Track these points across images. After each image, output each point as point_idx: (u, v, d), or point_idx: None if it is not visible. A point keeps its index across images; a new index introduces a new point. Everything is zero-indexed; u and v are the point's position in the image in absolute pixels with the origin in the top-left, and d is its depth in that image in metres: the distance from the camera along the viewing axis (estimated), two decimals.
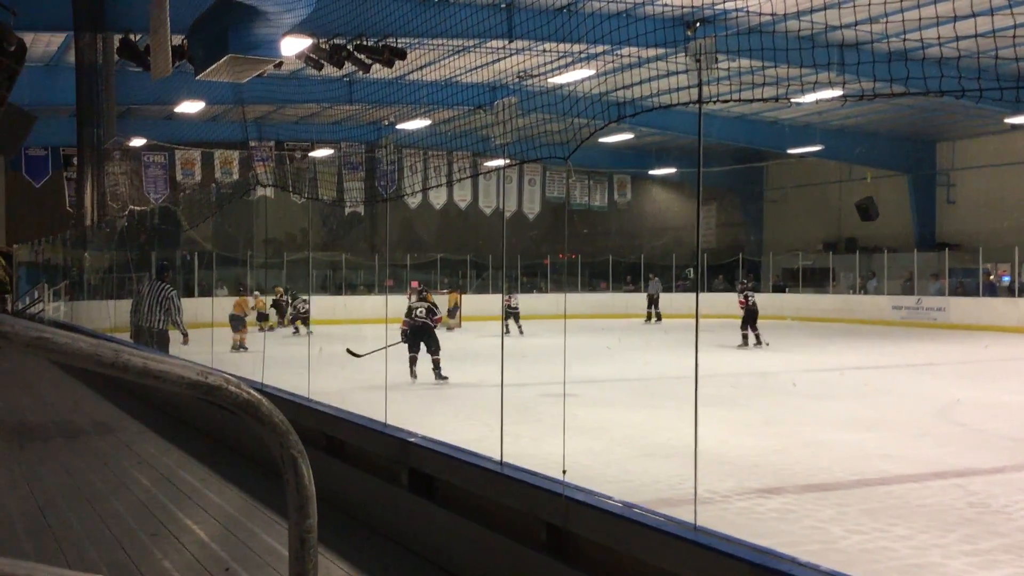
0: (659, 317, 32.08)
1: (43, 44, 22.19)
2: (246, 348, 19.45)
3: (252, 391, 1.64)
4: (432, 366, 14.79)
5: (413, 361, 14.91)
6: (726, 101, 3.68)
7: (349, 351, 13.63)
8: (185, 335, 13.03)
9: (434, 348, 14.98)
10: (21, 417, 9.53)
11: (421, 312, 15.11)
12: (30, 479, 6.64)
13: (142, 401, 10.51)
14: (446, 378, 14.69)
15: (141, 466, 7.15)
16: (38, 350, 1.42)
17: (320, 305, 26.83)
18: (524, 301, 28.55)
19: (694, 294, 33.94)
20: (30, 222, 31.69)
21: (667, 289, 36.75)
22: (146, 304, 12.82)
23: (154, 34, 11.98)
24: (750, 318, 21.21)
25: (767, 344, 20.92)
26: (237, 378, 1.75)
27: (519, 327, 25.21)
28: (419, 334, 14.99)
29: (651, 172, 37.56)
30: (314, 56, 16.24)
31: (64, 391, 11.89)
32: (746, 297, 21.45)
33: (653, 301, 32.66)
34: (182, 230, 19.08)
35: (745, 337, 21.05)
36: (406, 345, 14.97)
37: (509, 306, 26.81)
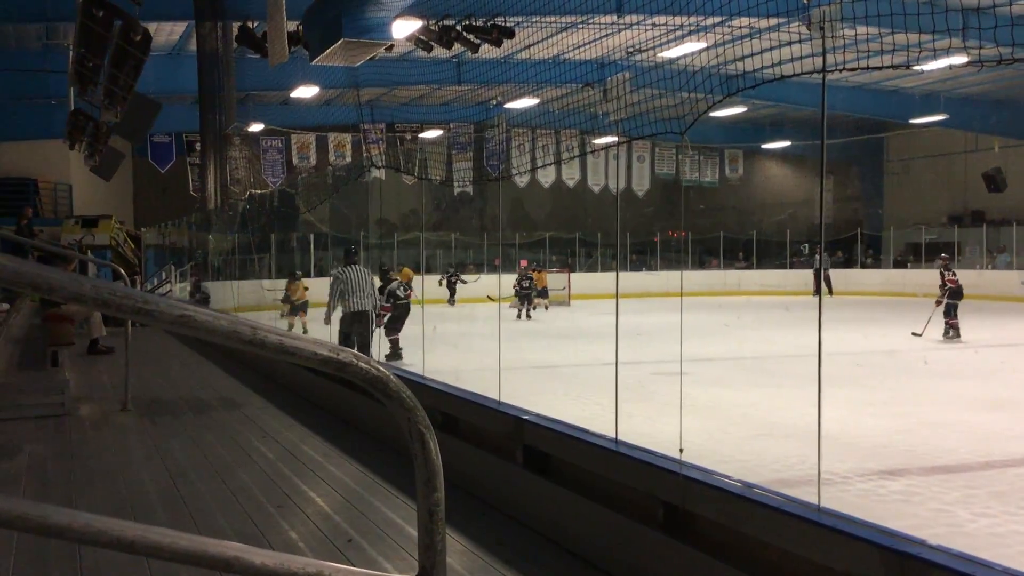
0: (831, 291, 31.17)
1: (166, 33, 23.04)
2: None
3: (381, 367, 1.68)
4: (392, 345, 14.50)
5: (396, 343, 14.59)
6: (852, 69, 3.55)
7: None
8: (379, 316, 13.06)
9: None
10: (153, 393, 9.97)
11: (403, 291, 14.91)
12: (162, 452, 6.95)
13: (265, 378, 10.88)
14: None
15: (265, 440, 7.40)
16: (181, 327, 1.48)
17: (432, 283, 27.19)
18: (633, 279, 28.17)
19: (810, 270, 33.20)
20: (156, 206, 33.09)
21: (781, 265, 35.98)
22: (356, 288, 12.49)
23: (270, 21, 12.28)
24: (955, 301, 17.63)
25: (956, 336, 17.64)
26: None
27: (527, 310, 24.31)
28: (405, 315, 14.76)
29: (764, 146, 36.68)
30: (424, 38, 16.37)
31: (192, 369, 12.39)
32: (954, 274, 17.93)
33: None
34: (299, 212, 19.59)
35: (952, 326, 17.59)
36: (385, 329, 14.70)
37: (525, 286, 25.00)
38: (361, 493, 5.71)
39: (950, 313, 17.66)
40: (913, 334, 17.68)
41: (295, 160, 31.75)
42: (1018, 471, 7.56)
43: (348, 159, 31.25)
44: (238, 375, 11.32)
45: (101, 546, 1.55)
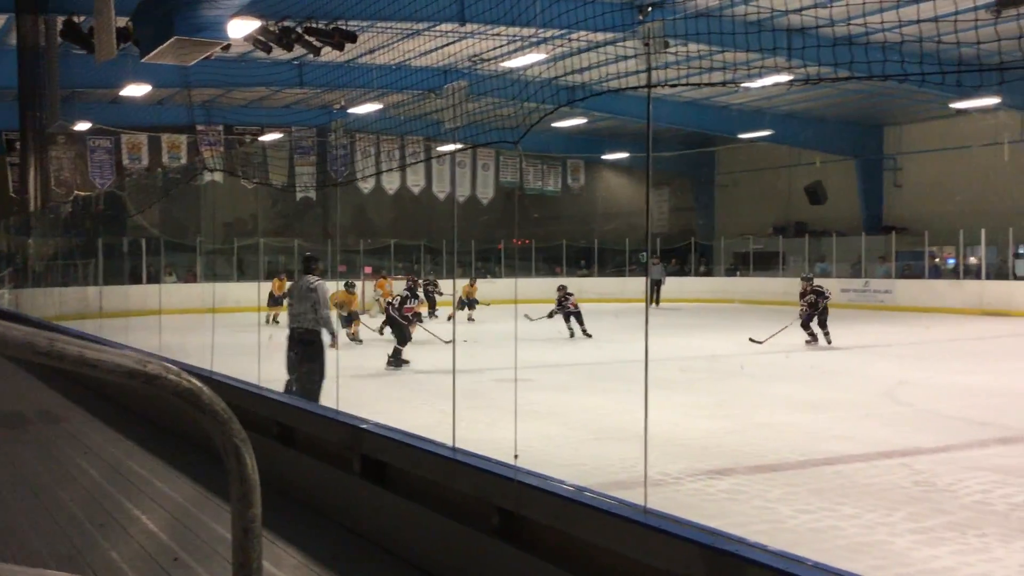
0: (658, 302, 31.87)
1: None
2: (360, 340, 18.78)
3: (192, 379, 1.61)
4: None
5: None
6: (675, 85, 3.69)
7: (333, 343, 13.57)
8: (333, 336, 10.05)
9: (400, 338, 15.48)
10: None
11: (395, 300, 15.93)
12: None
13: (89, 390, 10.33)
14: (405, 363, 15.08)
15: (88, 456, 7.03)
16: None
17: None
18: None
19: (644, 278, 34.28)
20: None
21: (619, 273, 36.97)
22: (295, 302, 10.09)
23: (98, 16, 11.72)
24: (823, 313, 18.34)
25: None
26: (180, 366, 1.71)
27: (581, 329, 20.44)
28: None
29: (604, 157, 37.68)
30: (262, 39, 16.01)
31: (8, 380, 11.64)
32: (817, 290, 18.48)
33: (656, 285, 32.46)
34: (128, 216, 18.73)
35: (814, 335, 18.27)
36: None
37: (568, 305, 20.54)
38: (190, 509, 5.50)
39: (808, 323, 18.21)
40: (751, 340, 17.89)
41: (126, 161, 30.36)
42: (835, 468, 8.00)
43: (183, 161, 30.14)
44: (60, 387, 10.71)
45: None
